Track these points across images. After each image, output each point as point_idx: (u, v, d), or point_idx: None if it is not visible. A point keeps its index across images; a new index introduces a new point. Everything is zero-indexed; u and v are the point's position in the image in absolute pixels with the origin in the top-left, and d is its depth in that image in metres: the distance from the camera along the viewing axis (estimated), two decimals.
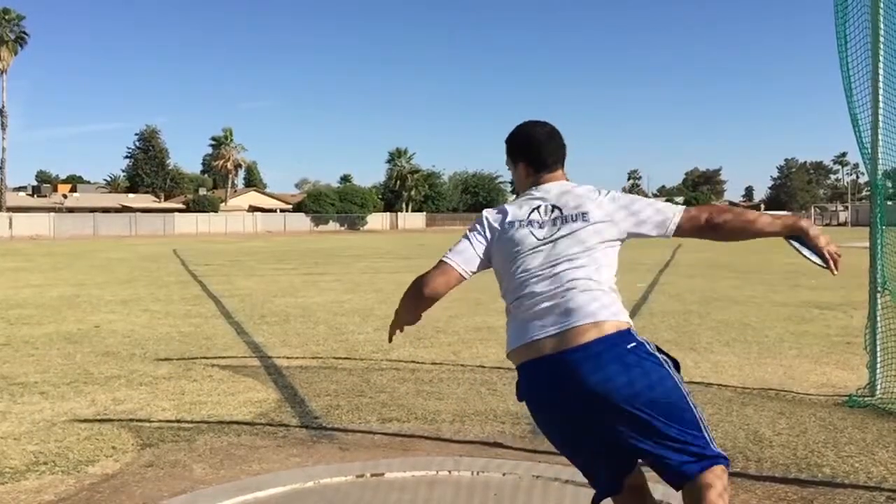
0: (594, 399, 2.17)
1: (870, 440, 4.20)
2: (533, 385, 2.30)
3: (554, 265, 2.31)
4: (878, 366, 4.99)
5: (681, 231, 2.40)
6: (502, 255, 2.41)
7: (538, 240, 2.35)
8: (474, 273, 2.45)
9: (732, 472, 3.72)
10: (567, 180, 2.52)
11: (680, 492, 2.26)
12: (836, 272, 2.37)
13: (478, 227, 2.48)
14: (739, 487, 3.52)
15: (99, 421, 4.74)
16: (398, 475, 3.69)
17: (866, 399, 4.93)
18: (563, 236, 2.34)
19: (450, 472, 3.69)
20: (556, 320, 2.25)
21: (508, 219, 2.42)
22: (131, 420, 4.77)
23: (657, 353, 2.28)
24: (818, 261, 2.39)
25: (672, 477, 2.24)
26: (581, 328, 2.21)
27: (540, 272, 2.32)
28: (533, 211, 2.41)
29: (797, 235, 2.41)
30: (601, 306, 2.25)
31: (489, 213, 2.50)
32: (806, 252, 2.40)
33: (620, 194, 2.47)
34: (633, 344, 2.24)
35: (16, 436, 4.43)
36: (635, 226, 2.39)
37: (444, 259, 2.42)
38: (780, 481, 3.60)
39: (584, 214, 2.36)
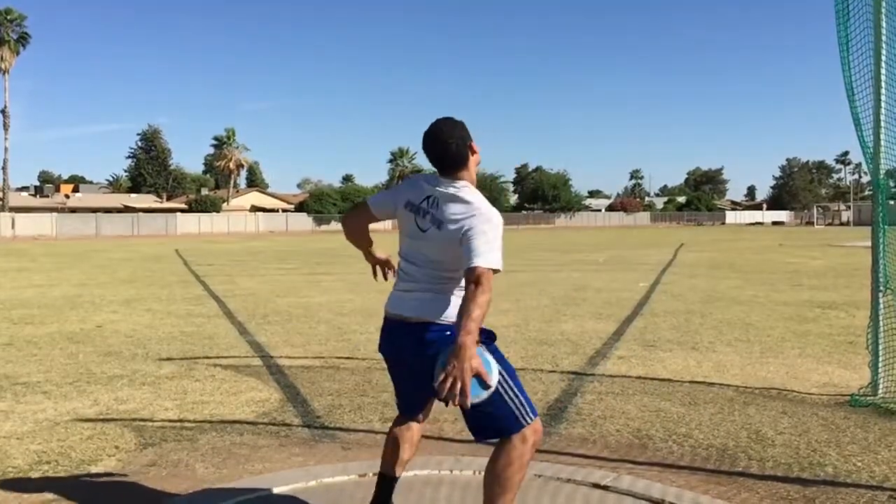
0: None
1: (872, 439, 4.20)
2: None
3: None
4: (881, 365, 4.99)
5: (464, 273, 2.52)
6: None
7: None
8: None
9: (735, 471, 3.74)
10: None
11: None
12: (435, 386, 2.36)
13: None
14: (741, 486, 3.53)
15: (101, 420, 4.75)
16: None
17: (869, 398, 4.93)
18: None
19: (451, 471, 3.70)
20: None
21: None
22: (134, 420, 4.78)
23: None
24: (437, 367, 2.39)
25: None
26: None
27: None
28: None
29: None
30: None
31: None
32: (442, 361, 2.39)
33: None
34: None
35: (19, 435, 4.44)
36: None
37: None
38: (783, 480, 3.60)
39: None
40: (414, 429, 2.98)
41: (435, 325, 2.63)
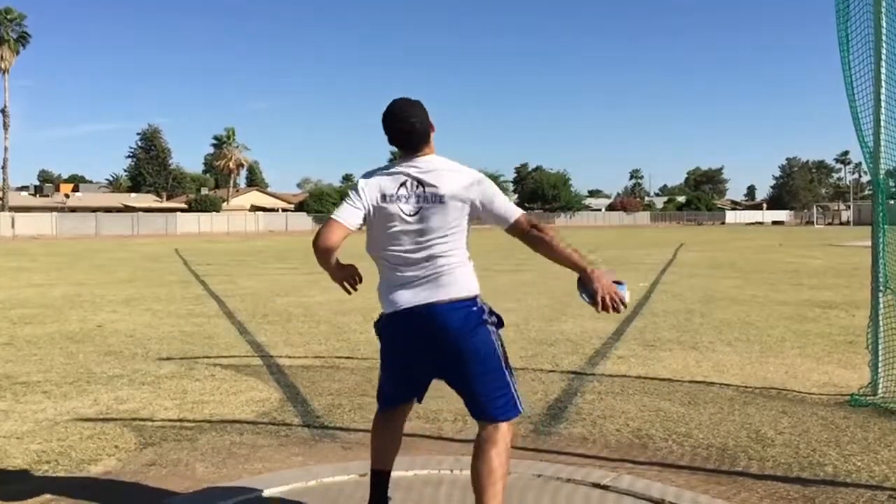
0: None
1: (872, 439, 4.20)
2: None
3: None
4: (881, 365, 4.98)
5: (512, 230, 2.72)
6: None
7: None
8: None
9: (735, 471, 3.74)
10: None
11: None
12: (600, 311, 2.66)
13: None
14: (741, 486, 3.52)
15: (101, 420, 4.75)
16: (400, 474, 3.68)
17: (868, 398, 4.93)
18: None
19: (451, 470, 3.69)
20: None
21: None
22: (133, 419, 4.78)
23: None
24: (587, 299, 2.69)
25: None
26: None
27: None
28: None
29: (582, 276, 2.68)
30: None
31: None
32: (583, 291, 2.69)
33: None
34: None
35: (19, 435, 4.44)
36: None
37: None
38: (782, 480, 3.60)
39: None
40: (399, 422, 3.01)
41: (454, 302, 2.65)
